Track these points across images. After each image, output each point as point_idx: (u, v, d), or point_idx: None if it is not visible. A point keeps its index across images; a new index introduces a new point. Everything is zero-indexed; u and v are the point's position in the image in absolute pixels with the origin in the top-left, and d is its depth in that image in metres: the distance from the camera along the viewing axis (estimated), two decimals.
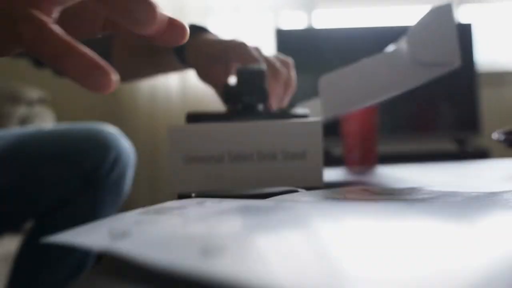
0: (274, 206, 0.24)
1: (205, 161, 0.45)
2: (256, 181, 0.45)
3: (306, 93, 1.09)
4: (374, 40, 1.24)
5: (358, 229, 0.18)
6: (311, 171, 0.45)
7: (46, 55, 0.29)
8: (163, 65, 0.71)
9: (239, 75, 0.49)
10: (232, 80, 0.58)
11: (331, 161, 1.31)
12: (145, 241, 0.16)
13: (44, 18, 0.29)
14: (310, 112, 0.69)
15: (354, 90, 0.49)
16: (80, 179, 0.77)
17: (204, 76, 0.61)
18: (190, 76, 1.92)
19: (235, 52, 0.56)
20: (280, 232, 0.17)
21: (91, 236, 0.18)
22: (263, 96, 0.48)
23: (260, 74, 0.48)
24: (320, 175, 0.45)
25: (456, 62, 0.45)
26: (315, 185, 0.45)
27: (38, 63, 0.74)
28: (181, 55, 0.64)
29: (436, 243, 0.16)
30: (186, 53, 0.63)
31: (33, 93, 1.65)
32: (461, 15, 2.15)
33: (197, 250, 0.14)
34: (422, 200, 0.30)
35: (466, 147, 1.83)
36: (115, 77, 0.30)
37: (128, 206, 1.68)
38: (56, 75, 0.76)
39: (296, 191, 0.37)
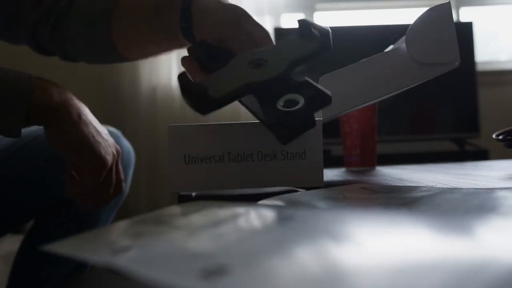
0: (274, 214, 0.24)
1: (205, 160, 0.45)
2: (256, 181, 0.45)
3: None
4: (374, 40, 1.24)
5: (366, 242, 0.18)
6: (311, 171, 0.45)
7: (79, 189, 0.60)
8: (165, 33, 0.64)
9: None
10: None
11: (331, 161, 1.31)
12: (144, 258, 0.16)
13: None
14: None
15: (353, 90, 0.49)
16: None
17: (215, 39, 0.54)
18: None
19: (247, 21, 0.53)
20: (284, 249, 0.17)
21: (91, 249, 0.18)
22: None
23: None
24: (320, 175, 0.45)
25: (455, 61, 0.46)
26: (315, 185, 0.45)
27: (46, 52, 0.75)
28: (187, 21, 0.57)
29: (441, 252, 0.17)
30: (193, 17, 0.56)
31: None
32: (461, 14, 2.15)
33: (197, 272, 0.14)
34: (421, 197, 0.30)
35: (465, 147, 1.83)
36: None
37: (128, 206, 1.69)
38: (65, 60, 0.76)
39: (296, 191, 0.37)
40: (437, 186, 0.40)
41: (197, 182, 0.45)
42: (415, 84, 0.47)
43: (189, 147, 0.45)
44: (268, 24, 1.91)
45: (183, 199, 0.43)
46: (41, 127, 0.82)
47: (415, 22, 0.46)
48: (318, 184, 0.45)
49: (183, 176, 0.45)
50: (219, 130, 0.45)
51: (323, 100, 0.39)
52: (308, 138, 0.45)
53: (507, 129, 0.58)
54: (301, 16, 2.14)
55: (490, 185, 0.40)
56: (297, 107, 0.38)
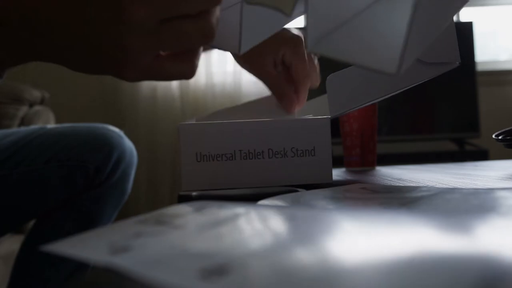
0: (275, 214, 0.24)
1: (216, 158, 0.45)
2: (266, 177, 0.46)
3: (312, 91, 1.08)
4: None
5: (366, 242, 0.18)
6: (320, 167, 0.46)
7: None
8: None
9: None
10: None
11: None
12: (144, 258, 0.16)
13: None
14: (316, 110, 0.70)
15: (354, 90, 0.49)
16: (83, 179, 0.77)
17: (251, 67, 0.59)
18: None
19: (288, 48, 0.57)
20: (284, 249, 0.17)
21: (90, 248, 0.18)
22: None
23: None
24: (329, 171, 0.47)
25: (455, 61, 0.46)
26: (325, 181, 0.46)
27: None
28: None
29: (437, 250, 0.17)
30: None
31: (35, 93, 1.65)
32: (461, 14, 2.16)
33: (197, 272, 0.14)
34: (421, 197, 0.30)
35: (465, 147, 1.83)
36: None
37: (128, 205, 1.70)
38: None
39: (296, 191, 0.37)
40: (437, 186, 0.40)
41: (209, 180, 0.45)
42: (415, 84, 0.47)
43: (200, 145, 0.45)
44: None
45: (183, 199, 0.43)
46: (43, 126, 0.82)
47: None
48: (327, 180, 0.46)
49: (195, 174, 0.45)
50: (230, 127, 0.46)
51: None
52: (317, 135, 0.46)
53: (507, 129, 0.58)
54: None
55: (490, 185, 0.40)
56: None
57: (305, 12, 0.28)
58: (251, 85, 1.92)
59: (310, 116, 0.49)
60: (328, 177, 0.46)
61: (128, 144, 0.85)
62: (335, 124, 0.82)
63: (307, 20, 0.28)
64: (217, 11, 0.32)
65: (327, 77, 0.50)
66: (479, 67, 1.91)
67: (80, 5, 0.29)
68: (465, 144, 1.84)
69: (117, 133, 0.84)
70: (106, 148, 0.79)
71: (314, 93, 0.58)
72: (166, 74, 0.33)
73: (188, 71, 0.34)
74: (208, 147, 0.45)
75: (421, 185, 0.43)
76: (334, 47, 0.28)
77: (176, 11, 0.29)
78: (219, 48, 0.36)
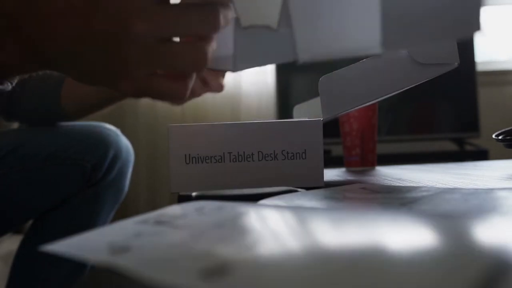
0: (274, 213, 0.24)
1: (205, 160, 0.45)
2: (256, 181, 0.45)
3: (306, 93, 1.08)
4: None
5: (365, 242, 0.18)
6: (311, 171, 0.45)
7: None
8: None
9: None
10: None
11: (331, 161, 1.31)
12: (144, 258, 0.16)
13: None
14: (310, 112, 0.70)
15: (354, 90, 0.49)
16: (80, 178, 0.77)
17: None
18: None
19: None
20: (284, 249, 0.17)
21: (90, 248, 0.18)
22: None
23: None
24: (320, 174, 0.46)
25: (454, 61, 0.46)
26: (316, 185, 0.45)
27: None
28: None
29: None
30: None
31: None
32: None
33: (197, 272, 0.14)
34: (421, 197, 0.30)
35: (465, 147, 1.83)
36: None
37: (127, 205, 1.68)
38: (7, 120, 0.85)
39: (296, 191, 0.37)
40: (437, 186, 0.40)
41: (197, 182, 0.45)
42: (414, 84, 0.47)
43: (189, 147, 0.45)
44: None
45: (183, 199, 0.43)
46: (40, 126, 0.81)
47: None
48: (318, 184, 0.45)
49: (183, 176, 0.45)
50: (220, 130, 0.46)
51: None
52: (308, 138, 0.45)
53: (507, 129, 0.58)
54: None
55: (490, 185, 0.40)
56: None
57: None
58: (251, 85, 1.92)
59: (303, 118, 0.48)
60: (319, 181, 0.46)
61: (125, 142, 0.85)
62: (335, 124, 0.82)
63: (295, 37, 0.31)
64: (214, 44, 0.33)
65: (320, 79, 0.49)
66: (479, 67, 1.91)
67: (87, 15, 0.30)
68: (465, 144, 1.84)
69: (114, 131, 0.84)
70: (102, 146, 0.79)
71: (309, 95, 0.58)
72: (159, 90, 0.34)
73: (180, 91, 0.34)
74: (197, 149, 0.45)
75: (421, 185, 0.43)
76: (320, 51, 0.32)
77: (175, 32, 0.31)
78: (214, 68, 0.37)
